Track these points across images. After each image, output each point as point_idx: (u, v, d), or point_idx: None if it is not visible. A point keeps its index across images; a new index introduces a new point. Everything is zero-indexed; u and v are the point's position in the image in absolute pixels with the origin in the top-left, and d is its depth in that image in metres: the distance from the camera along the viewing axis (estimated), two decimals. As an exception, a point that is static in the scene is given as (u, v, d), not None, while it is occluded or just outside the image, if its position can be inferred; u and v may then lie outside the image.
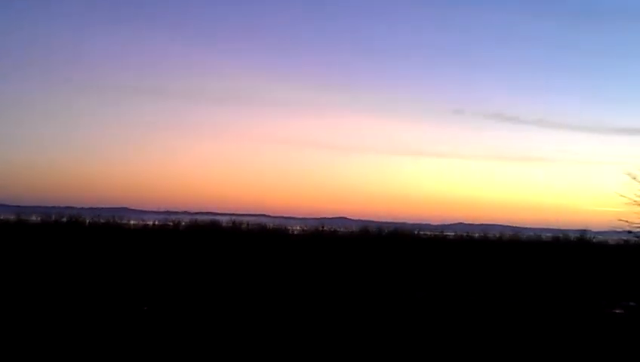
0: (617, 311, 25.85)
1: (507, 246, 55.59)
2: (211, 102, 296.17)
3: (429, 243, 58.80)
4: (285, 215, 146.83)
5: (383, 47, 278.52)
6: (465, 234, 66.43)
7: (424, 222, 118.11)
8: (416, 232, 67.47)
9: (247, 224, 62.89)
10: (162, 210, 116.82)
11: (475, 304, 26.92)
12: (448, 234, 70.68)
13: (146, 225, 61.12)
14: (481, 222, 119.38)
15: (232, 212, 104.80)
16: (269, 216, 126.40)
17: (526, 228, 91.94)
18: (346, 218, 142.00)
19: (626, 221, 29.64)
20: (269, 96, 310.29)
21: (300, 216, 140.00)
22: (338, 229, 65.34)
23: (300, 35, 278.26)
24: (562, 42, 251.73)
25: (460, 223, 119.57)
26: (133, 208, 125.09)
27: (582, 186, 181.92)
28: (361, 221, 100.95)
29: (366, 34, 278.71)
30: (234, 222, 61.66)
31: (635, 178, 29.48)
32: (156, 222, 63.11)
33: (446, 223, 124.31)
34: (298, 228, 69.89)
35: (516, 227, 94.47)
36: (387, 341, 17.68)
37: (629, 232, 30.16)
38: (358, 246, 49.83)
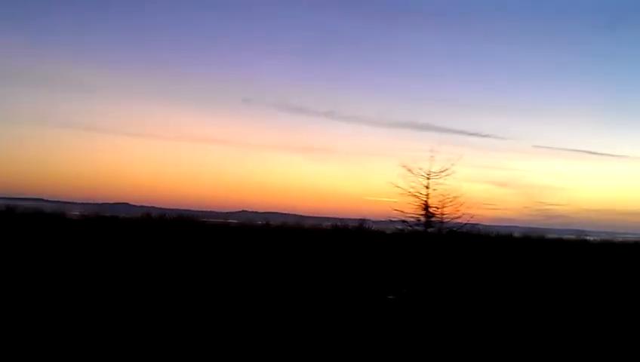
0: (390, 297, 26.79)
1: (290, 233, 56.59)
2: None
3: (213, 230, 58.50)
4: (64, 199, 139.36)
5: (174, 33, 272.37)
6: (248, 221, 67.19)
7: (209, 209, 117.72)
8: (200, 219, 67.19)
9: (22, 208, 59.20)
10: None
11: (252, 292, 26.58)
12: (232, 221, 71.10)
13: None
14: (265, 210, 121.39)
15: (5, 195, 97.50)
16: (46, 201, 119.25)
17: (308, 217, 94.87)
18: (128, 204, 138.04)
19: (401, 211, 31.12)
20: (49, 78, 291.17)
21: (81, 201, 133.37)
22: (119, 215, 63.64)
23: (100, 20, 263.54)
24: (351, 37, 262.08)
25: (244, 211, 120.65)
26: None
27: (363, 177, 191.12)
28: (145, 207, 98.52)
29: (157, 20, 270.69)
30: (7, 206, 57.88)
31: (409, 170, 31.01)
32: None
33: (231, 210, 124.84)
34: (77, 213, 67.38)
35: (299, 215, 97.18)
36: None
37: (404, 222, 31.66)
38: (139, 232, 48.15)
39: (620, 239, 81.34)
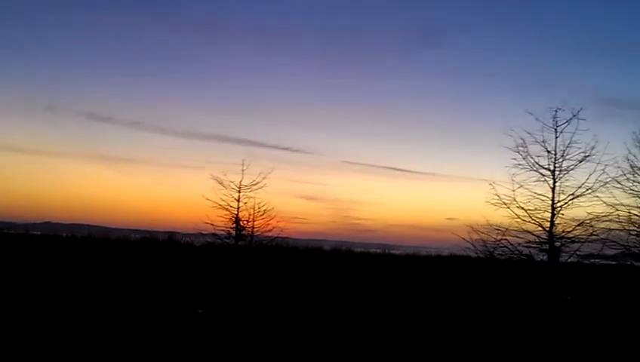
0: (200, 311, 26.48)
1: (96, 245, 54.66)
2: None
3: (13, 241, 55.54)
4: None
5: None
6: (52, 232, 64.09)
7: (9, 220, 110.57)
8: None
9: None
10: None
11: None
12: (34, 233, 67.48)
13: None
14: (71, 222, 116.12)
15: None
16: None
17: (116, 229, 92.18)
18: None
19: (212, 224, 31.14)
20: None
21: None
22: None
23: None
24: (160, 48, 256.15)
25: (48, 222, 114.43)
26: None
27: (173, 189, 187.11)
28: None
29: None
30: None
31: (220, 183, 31.15)
32: None
33: (32, 222, 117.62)
34: None
35: (105, 227, 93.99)
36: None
37: (214, 234, 31.66)
38: None
39: (424, 253, 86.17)
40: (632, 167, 25.67)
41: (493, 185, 22.82)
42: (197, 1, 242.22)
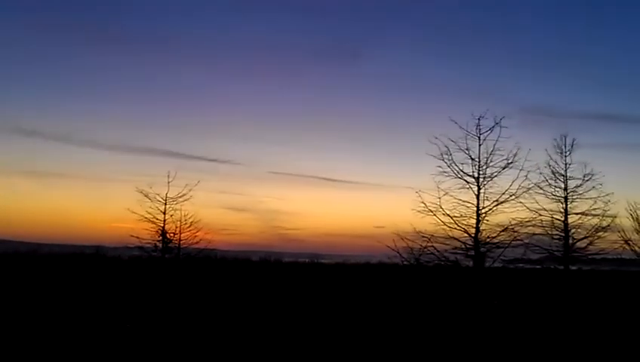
0: (128, 325, 25.82)
1: (22, 261, 53.00)
2: None
3: None
4: None
5: None
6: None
7: None
8: None
9: None
10: None
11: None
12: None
13: None
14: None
15: None
16: None
17: (43, 244, 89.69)
18: None
19: (137, 237, 30.51)
20: None
21: None
22: None
23: None
24: (86, 61, 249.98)
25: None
26: None
27: (100, 203, 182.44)
28: None
29: None
30: None
31: (146, 195, 30.59)
32: None
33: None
34: None
35: (32, 243, 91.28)
36: None
37: (141, 248, 31.02)
38: None
39: (353, 261, 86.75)
40: (553, 173, 26.68)
41: (420, 192, 22.84)
42: (122, 17, 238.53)
